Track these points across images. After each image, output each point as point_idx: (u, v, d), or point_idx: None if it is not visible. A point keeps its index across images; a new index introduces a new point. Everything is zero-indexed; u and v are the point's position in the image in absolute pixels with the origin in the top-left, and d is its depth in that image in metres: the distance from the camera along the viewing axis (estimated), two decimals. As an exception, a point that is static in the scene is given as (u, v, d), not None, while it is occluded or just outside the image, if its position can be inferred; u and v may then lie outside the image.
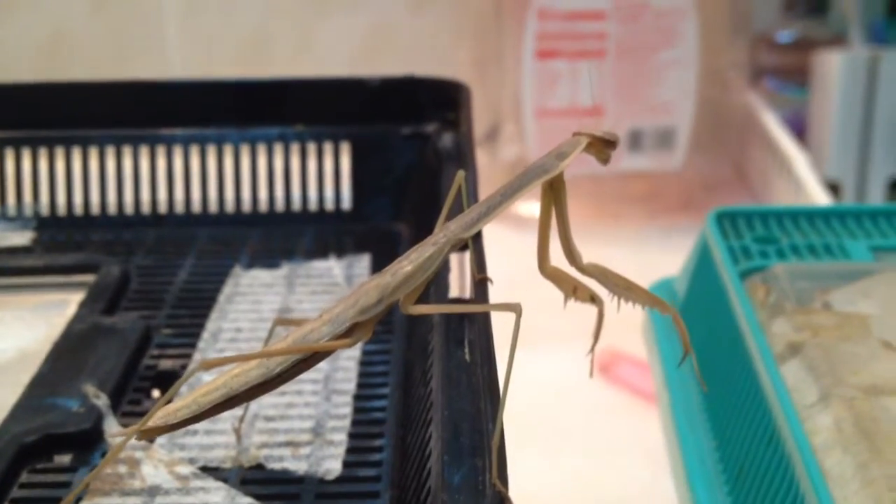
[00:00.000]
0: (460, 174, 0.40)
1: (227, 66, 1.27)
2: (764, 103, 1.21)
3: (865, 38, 1.20)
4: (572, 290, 0.38)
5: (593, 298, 0.39)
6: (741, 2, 1.23)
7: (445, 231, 0.36)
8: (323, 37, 1.26)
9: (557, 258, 0.39)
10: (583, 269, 0.38)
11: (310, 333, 0.35)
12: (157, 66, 1.26)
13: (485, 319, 0.38)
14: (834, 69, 1.16)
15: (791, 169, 1.09)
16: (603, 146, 0.37)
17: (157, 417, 0.35)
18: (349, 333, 0.35)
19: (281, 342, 0.35)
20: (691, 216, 1.19)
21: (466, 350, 0.40)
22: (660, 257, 0.77)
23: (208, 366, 0.33)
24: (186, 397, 0.35)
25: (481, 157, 1.18)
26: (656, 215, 1.20)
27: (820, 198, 1.03)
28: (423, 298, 0.37)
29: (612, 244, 1.12)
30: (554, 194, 0.37)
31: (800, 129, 1.20)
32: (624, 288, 0.38)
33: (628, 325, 0.63)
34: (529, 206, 1.08)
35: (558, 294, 0.40)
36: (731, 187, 1.24)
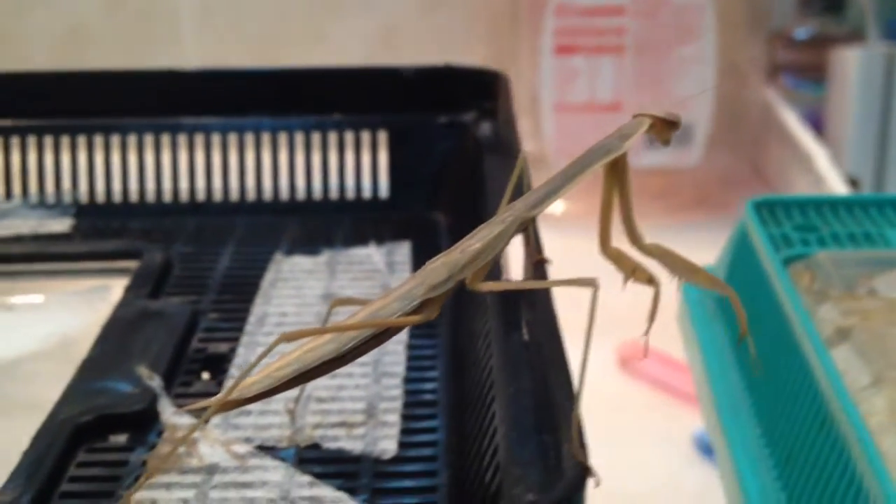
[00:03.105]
0: (522, 155, 0.41)
1: (241, 63, 1.27)
2: (781, 99, 1.22)
3: (882, 35, 1.20)
4: (632, 272, 0.38)
5: (651, 280, 0.39)
6: (760, -3, 1.24)
7: (512, 210, 0.36)
8: (337, 35, 1.27)
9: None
10: (644, 249, 0.38)
11: (380, 310, 0.35)
12: (172, 62, 1.27)
13: (546, 299, 0.38)
14: (851, 66, 1.17)
15: (811, 164, 1.09)
16: (665, 127, 0.37)
17: (234, 391, 0.35)
18: (419, 310, 0.35)
19: (354, 318, 0.36)
20: (707, 212, 1.19)
21: (525, 331, 0.40)
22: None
23: (289, 338, 0.33)
24: (260, 372, 0.35)
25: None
26: (672, 211, 1.20)
27: (841, 192, 1.03)
28: (487, 277, 0.37)
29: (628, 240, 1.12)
30: (617, 175, 0.37)
31: (816, 126, 1.20)
32: (684, 269, 0.38)
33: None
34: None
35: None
36: (748, 183, 1.25)
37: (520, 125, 1.26)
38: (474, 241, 0.36)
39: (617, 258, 0.38)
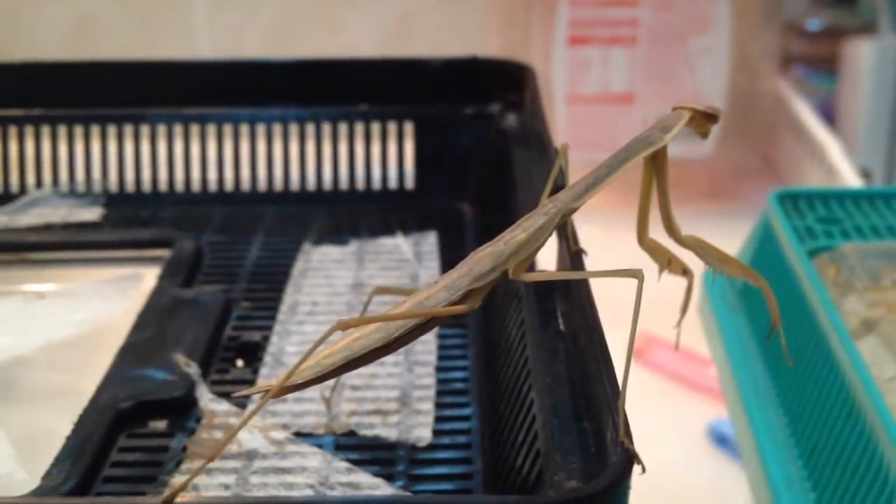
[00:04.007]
0: (563, 146, 0.41)
1: (254, 54, 1.27)
2: (794, 91, 1.22)
3: (895, 27, 1.20)
4: (667, 263, 0.39)
5: (685, 271, 0.40)
6: (773, -12, 1.24)
7: (555, 201, 0.37)
8: (351, 24, 1.27)
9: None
10: (681, 241, 0.39)
11: (427, 299, 0.36)
12: (184, 52, 1.27)
13: (585, 289, 0.39)
14: (864, 58, 1.17)
15: (824, 156, 1.10)
16: (704, 120, 0.38)
17: (283, 378, 0.36)
18: (464, 300, 0.36)
19: (401, 307, 0.36)
20: (720, 203, 1.20)
21: (560, 321, 0.41)
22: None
23: (344, 326, 0.33)
24: (309, 359, 0.36)
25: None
26: (684, 203, 1.19)
27: (854, 184, 1.04)
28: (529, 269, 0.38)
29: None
30: (656, 167, 0.38)
31: (828, 118, 1.20)
32: (719, 260, 0.39)
33: (663, 310, 0.64)
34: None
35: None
36: (760, 175, 1.25)
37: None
38: (519, 232, 0.37)
39: (653, 249, 0.39)
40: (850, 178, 1.04)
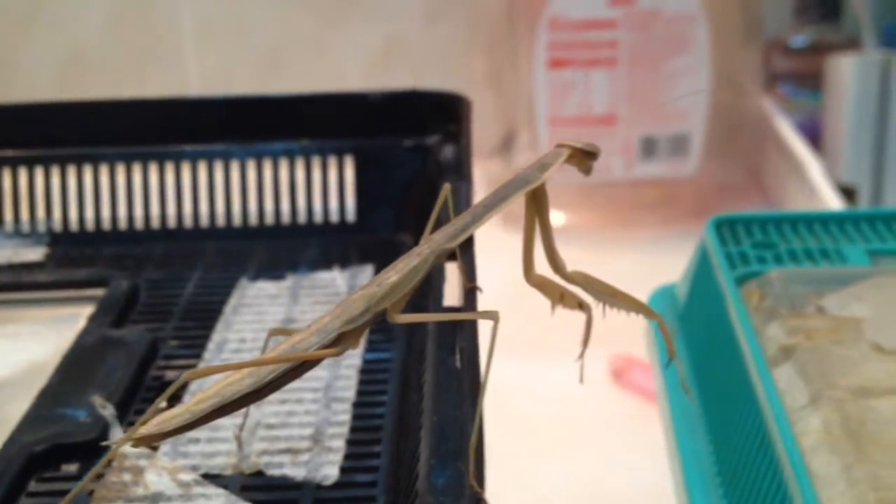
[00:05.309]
0: (446, 187, 0.41)
1: (243, 80, 1.29)
2: (778, 108, 1.22)
3: (879, 42, 1.20)
4: (559, 298, 0.39)
5: (581, 305, 0.40)
6: (753, 7, 1.24)
7: (430, 242, 0.37)
8: (337, 48, 1.28)
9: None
10: (567, 276, 0.39)
11: (298, 343, 0.36)
12: (174, 81, 1.28)
13: (472, 327, 0.39)
14: (847, 73, 1.17)
15: (805, 174, 1.09)
16: (584, 157, 0.38)
17: (153, 424, 0.36)
18: (336, 343, 0.36)
19: (271, 352, 0.37)
20: (705, 222, 1.19)
21: (458, 357, 0.41)
22: (673, 263, 0.77)
23: (193, 376, 0.34)
24: (181, 406, 0.36)
25: (497, 166, 1.19)
26: (670, 222, 1.20)
27: (834, 203, 1.03)
28: (410, 308, 0.38)
29: (626, 250, 1.12)
30: (537, 205, 0.38)
31: (814, 134, 1.20)
32: (608, 294, 0.39)
33: (641, 331, 0.64)
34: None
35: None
36: (745, 193, 1.25)
37: (518, 138, 1.27)
38: (392, 274, 0.37)
39: (542, 285, 0.39)
40: (831, 197, 1.04)
